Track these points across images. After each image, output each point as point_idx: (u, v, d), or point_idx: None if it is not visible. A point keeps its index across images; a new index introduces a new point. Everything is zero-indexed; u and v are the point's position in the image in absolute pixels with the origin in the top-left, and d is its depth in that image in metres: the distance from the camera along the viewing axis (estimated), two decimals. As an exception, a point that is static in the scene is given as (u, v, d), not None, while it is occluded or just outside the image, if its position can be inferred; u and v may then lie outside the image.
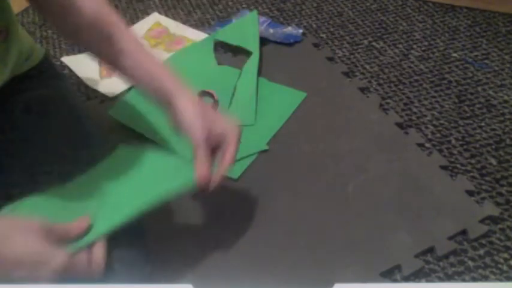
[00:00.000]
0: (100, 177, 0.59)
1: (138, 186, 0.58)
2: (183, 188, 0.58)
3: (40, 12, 0.58)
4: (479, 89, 0.96)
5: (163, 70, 0.62)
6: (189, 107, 0.59)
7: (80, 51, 1.06)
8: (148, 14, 1.17)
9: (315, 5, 1.19)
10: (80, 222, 0.51)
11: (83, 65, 1.03)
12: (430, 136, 0.88)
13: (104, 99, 0.95)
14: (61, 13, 0.60)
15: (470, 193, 0.79)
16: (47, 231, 0.46)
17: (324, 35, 1.11)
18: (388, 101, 0.95)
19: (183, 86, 0.61)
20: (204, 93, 0.94)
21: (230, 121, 0.62)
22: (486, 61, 1.02)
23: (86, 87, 0.98)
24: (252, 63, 0.99)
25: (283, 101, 0.94)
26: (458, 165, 0.83)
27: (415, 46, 1.07)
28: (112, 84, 0.98)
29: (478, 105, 0.93)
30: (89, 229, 0.51)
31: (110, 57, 0.63)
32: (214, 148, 0.60)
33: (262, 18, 1.12)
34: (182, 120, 0.59)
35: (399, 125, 0.89)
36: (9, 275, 0.44)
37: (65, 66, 1.02)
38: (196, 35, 1.09)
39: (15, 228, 0.46)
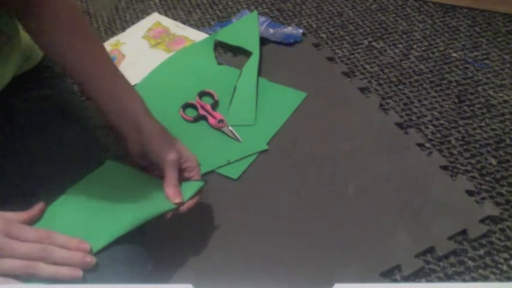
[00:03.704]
0: (85, 194, 0.59)
1: (122, 206, 0.58)
2: (164, 208, 0.61)
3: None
4: (479, 89, 0.96)
5: (130, 94, 0.64)
6: (159, 133, 0.63)
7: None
8: (148, 14, 1.17)
9: (315, 5, 1.19)
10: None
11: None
12: (430, 136, 0.88)
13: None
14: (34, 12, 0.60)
15: (470, 193, 0.79)
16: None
17: (324, 35, 1.11)
18: (388, 101, 0.95)
19: (149, 112, 0.64)
20: (204, 93, 0.94)
21: (188, 149, 0.66)
22: (486, 61, 1.02)
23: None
24: (252, 63, 0.99)
25: (283, 101, 0.94)
26: (458, 165, 0.83)
27: (415, 46, 1.07)
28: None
29: (478, 105, 0.93)
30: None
31: (78, 72, 0.63)
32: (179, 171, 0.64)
33: (262, 18, 1.12)
34: (152, 144, 0.62)
35: (399, 125, 0.89)
36: None
37: (65, 66, 1.02)
38: (196, 35, 1.09)
39: None
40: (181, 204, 0.62)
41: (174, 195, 0.61)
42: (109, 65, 0.65)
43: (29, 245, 0.48)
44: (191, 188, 0.64)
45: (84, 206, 0.58)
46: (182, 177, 0.64)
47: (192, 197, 0.63)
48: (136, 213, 0.57)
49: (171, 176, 0.61)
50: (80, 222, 0.56)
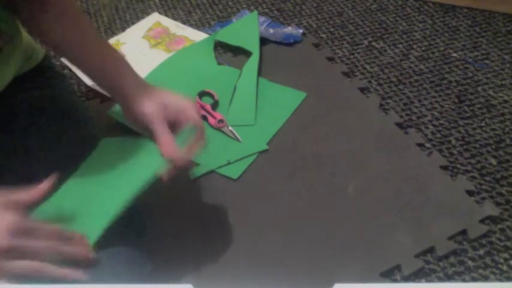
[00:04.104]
0: (89, 175, 0.59)
1: (123, 177, 0.58)
2: (156, 168, 0.57)
3: None
4: (479, 89, 0.97)
5: (115, 59, 0.63)
6: (135, 88, 0.60)
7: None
8: (148, 14, 1.17)
9: (315, 5, 1.19)
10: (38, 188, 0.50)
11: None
12: (430, 136, 0.88)
13: (104, 99, 0.95)
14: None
15: (470, 193, 0.79)
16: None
17: (324, 35, 1.11)
18: (388, 101, 0.95)
19: (136, 75, 0.62)
20: (204, 93, 0.94)
21: (182, 97, 0.62)
22: (486, 61, 1.02)
23: (86, 87, 0.98)
24: (252, 63, 0.99)
25: (283, 101, 0.94)
26: (458, 165, 0.83)
27: (415, 46, 1.07)
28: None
29: (478, 105, 0.93)
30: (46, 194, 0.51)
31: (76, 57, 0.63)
32: (172, 123, 0.60)
33: (262, 18, 1.12)
34: (132, 102, 0.59)
35: (399, 125, 0.89)
36: None
37: (65, 66, 1.02)
38: (196, 35, 1.09)
39: None
40: (173, 155, 0.57)
41: (165, 147, 0.57)
42: (108, 48, 0.65)
43: (39, 244, 0.48)
44: (182, 135, 0.59)
45: (86, 190, 0.58)
46: (180, 127, 0.60)
47: (187, 145, 0.59)
48: (132, 183, 0.56)
49: (155, 128, 0.58)
50: (83, 208, 0.55)
